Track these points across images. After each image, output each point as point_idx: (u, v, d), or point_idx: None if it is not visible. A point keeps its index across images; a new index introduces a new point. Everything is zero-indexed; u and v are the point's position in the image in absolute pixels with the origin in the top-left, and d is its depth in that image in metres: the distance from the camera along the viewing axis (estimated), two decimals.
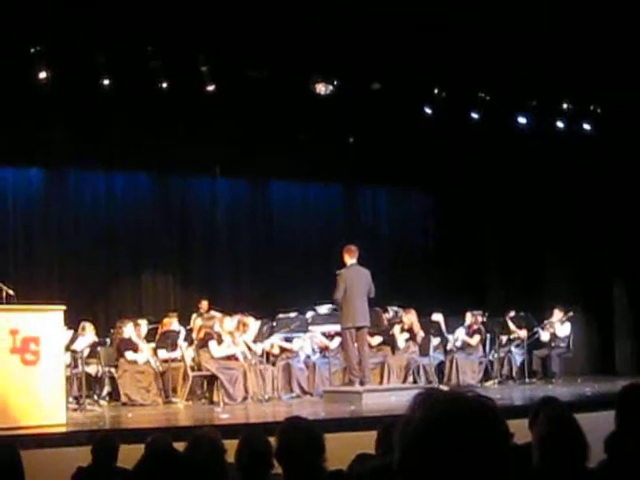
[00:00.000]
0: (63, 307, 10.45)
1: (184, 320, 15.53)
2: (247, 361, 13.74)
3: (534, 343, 16.78)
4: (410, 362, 15.04)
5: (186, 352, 14.06)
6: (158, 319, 15.60)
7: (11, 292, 10.97)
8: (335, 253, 13.83)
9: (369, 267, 13.38)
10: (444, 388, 1.98)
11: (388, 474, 2.53)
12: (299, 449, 4.33)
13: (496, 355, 16.40)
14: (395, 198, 20.54)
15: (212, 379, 13.57)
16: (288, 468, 4.39)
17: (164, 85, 15.02)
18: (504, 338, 16.60)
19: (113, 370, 14.23)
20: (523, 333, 16.45)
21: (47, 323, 10.20)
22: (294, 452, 4.34)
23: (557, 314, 16.72)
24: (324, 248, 17.42)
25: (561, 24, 13.79)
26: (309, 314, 14.99)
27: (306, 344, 15.04)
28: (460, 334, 16.08)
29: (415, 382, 14.80)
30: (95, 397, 14.09)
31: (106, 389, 14.55)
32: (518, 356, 16.54)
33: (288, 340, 14.82)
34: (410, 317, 15.41)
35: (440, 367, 15.82)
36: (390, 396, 12.72)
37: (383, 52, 14.52)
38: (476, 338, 15.98)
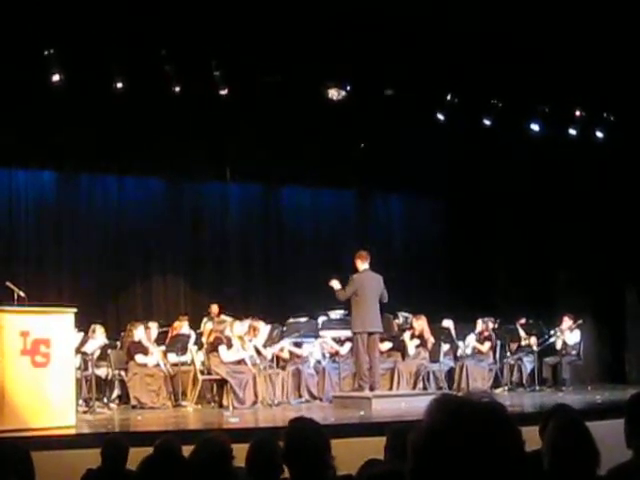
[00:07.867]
0: (74, 309, 10.48)
1: (194, 324, 15.55)
2: (255, 366, 13.73)
3: (545, 350, 16.73)
4: (420, 368, 15.02)
5: (196, 356, 14.10)
6: (169, 322, 15.64)
7: (22, 294, 10.98)
8: (347, 259, 13.83)
9: (380, 273, 13.37)
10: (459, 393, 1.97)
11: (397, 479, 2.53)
12: (304, 448, 4.31)
13: (506, 362, 16.39)
14: (407, 204, 20.52)
15: (222, 383, 13.58)
16: (295, 470, 4.39)
17: (177, 89, 15.04)
18: (514, 345, 16.58)
19: (123, 373, 14.24)
20: (534, 340, 16.42)
21: (58, 325, 10.22)
22: (300, 452, 4.32)
23: (566, 322, 16.66)
24: (336, 254, 17.41)
25: (575, 31, 13.77)
26: (320, 319, 14.99)
27: (316, 349, 15.02)
28: (471, 341, 16.05)
29: (425, 388, 14.78)
30: (105, 400, 14.11)
31: (116, 392, 14.58)
32: (528, 363, 16.49)
33: (298, 345, 14.81)
34: (420, 323, 15.39)
35: (450, 373, 15.77)
36: (400, 402, 12.69)
37: (396, 58, 14.52)
38: (487, 345, 15.94)
